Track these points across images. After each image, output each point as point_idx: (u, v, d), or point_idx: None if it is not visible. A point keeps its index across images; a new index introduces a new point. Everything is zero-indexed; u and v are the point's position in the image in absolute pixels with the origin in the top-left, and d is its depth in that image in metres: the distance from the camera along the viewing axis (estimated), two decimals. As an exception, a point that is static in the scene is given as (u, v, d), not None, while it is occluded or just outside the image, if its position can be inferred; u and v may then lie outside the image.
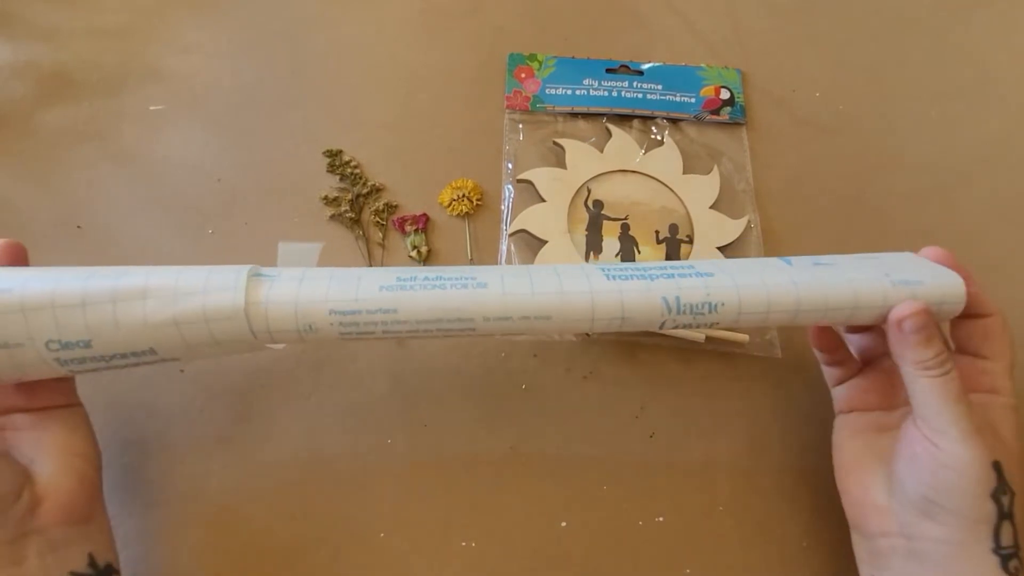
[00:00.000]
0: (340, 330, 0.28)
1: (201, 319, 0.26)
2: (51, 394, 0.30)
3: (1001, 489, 0.27)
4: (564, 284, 0.29)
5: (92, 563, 0.28)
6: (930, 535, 0.28)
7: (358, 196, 0.42)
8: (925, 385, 0.28)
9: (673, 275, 0.29)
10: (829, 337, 0.34)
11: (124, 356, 0.27)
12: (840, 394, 0.34)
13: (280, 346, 0.31)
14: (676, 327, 0.29)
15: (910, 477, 0.28)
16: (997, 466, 0.27)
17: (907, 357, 0.28)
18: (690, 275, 0.29)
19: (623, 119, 0.46)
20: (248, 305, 0.27)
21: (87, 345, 0.26)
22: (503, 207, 0.42)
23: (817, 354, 0.35)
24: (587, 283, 0.29)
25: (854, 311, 0.29)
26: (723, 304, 0.28)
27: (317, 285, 0.28)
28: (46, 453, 0.28)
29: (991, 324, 0.30)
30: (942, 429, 0.27)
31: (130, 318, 0.26)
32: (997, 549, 0.27)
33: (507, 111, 0.46)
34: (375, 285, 0.28)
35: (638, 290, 0.28)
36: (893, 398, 0.32)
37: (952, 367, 0.28)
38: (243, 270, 0.27)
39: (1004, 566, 0.27)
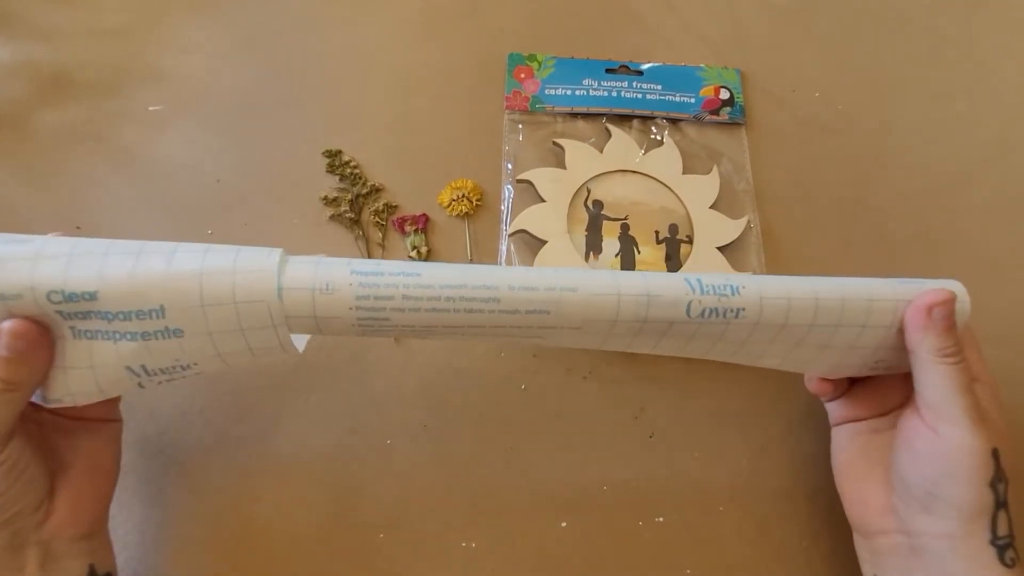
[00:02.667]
0: (358, 291, 0.26)
1: (229, 270, 0.25)
2: (101, 408, 0.30)
3: (998, 477, 0.27)
4: (587, 270, 0.30)
5: (92, 574, 0.28)
6: (930, 530, 0.28)
7: (358, 196, 0.42)
8: (940, 372, 0.28)
9: (691, 272, 0.30)
10: None
11: (127, 316, 0.25)
12: (833, 409, 0.35)
13: (298, 344, 0.30)
14: (703, 315, 0.29)
15: (910, 469, 0.29)
16: (995, 454, 0.27)
17: (928, 344, 0.28)
18: (707, 272, 0.30)
19: (623, 119, 0.46)
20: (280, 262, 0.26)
21: (92, 297, 0.25)
22: (503, 207, 0.42)
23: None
24: (609, 270, 0.30)
25: (869, 306, 0.29)
26: (744, 287, 0.29)
27: (338, 259, 0.28)
28: (75, 464, 0.28)
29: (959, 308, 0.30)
30: (951, 417, 0.27)
31: (150, 268, 0.25)
32: (994, 540, 0.27)
33: (507, 111, 0.46)
34: (395, 261, 0.28)
35: (660, 274, 0.29)
36: (884, 406, 0.33)
37: (964, 356, 0.28)
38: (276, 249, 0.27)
39: (1001, 557, 0.27)
